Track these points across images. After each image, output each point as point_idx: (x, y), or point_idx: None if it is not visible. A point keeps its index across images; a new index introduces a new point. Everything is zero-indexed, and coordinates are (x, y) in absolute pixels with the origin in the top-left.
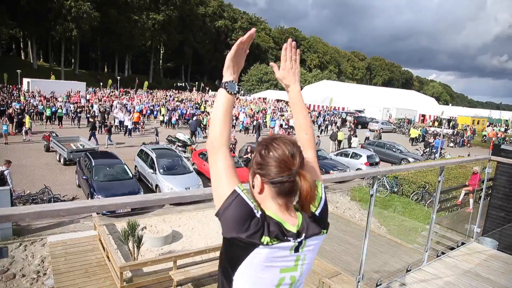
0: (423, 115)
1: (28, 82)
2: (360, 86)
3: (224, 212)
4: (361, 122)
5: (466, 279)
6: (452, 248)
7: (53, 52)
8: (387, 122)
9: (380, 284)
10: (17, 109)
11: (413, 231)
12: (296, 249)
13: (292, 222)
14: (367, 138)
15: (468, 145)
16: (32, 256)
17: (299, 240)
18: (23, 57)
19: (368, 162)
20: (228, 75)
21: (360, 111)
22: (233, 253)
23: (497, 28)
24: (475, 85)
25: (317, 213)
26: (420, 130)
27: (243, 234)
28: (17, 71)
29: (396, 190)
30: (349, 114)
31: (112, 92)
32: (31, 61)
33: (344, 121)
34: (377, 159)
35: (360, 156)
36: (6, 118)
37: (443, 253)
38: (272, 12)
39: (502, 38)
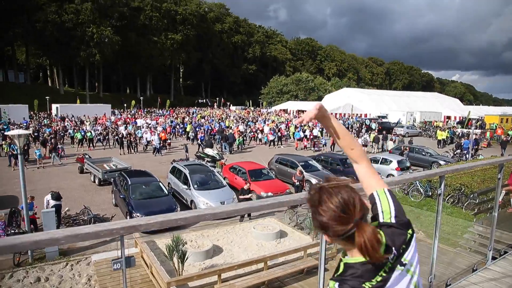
0: (448, 117)
1: (57, 108)
2: (380, 91)
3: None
4: (386, 128)
5: None
6: (510, 246)
7: (77, 77)
8: (412, 126)
9: (450, 284)
10: (49, 133)
11: (452, 236)
12: (404, 269)
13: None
14: (393, 142)
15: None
16: (79, 275)
17: (394, 255)
18: (50, 84)
19: (399, 167)
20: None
21: (383, 117)
22: None
23: None
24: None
25: (392, 220)
26: (448, 132)
27: None
28: (46, 97)
29: (430, 194)
30: (373, 120)
31: (137, 112)
32: (58, 87)
33: (368, 128)
34: (408, 164)
35: (391, 161)
36: (40, 143)
37: (505, 252)
38: (291, 23)
39: None
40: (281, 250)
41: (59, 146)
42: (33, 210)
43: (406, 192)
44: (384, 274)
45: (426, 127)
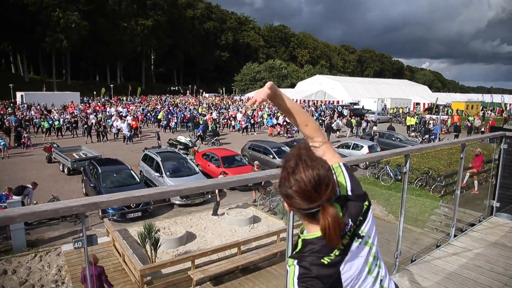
0: (417, 103)
1: (22, 96)
2: (352, 78)
3: None
4: (357, 114)
5: (495, 250)
6: (473, 225)
7: (43, 64)
8: (383, 112)
9: (415, 260)
10: (14, 122)
11: (420, 217)
12: (362, 241)
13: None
14: (364, 130)
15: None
16: (49, 266)
17: (351, 228)
18: (13, 71)
19: (370, 152)
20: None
21: (355, 104)
22: None
23: (491, 13)
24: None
25: (349, 193)
26: (417, 118)
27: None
28: (10, 85)
29: (400, 178)
30: (344, 107)
31: (107, 101)
32: (22, 74)
33: (340, 114)
34: (378, 149)
35: (362, 146)
36: (3, 133)
37: (466, 229)
38: (266, 10)
39: (495, 22)
40: (254, 235)
41: (25, 135)
42: (5, 202)
43: (376, 176)
44: (342, 247)
45: (396, 113)
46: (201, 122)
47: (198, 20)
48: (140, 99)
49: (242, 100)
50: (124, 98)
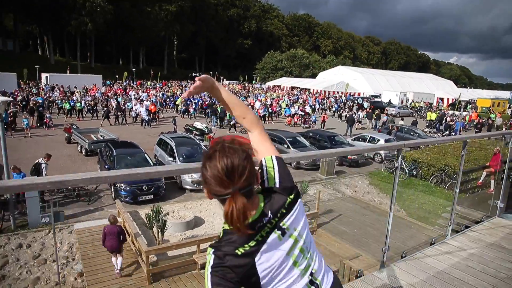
0: (441, 99)
1: (47, 77)
2: (375, 70)
3: None
4: (378, 107)
5: (490, 251)
6: (476, 223)
7: (69, 47)
8: (404, 106)
9: (405, 256)
10: (38, 102)
11: (433, 214)
12: (283, 233)
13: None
14: (383, 123)
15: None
16: (61, 242)
17: (269, 220)
18: (40, 53)
19: None
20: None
21: (376, 96)
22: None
23: None
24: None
25: (276, 185)
26: (438, 113)
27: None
28: (35, 66)
29: (415, 173)
30: (365, 100)
31: (129, 85)
32: (48, 56)
33: (360, 106)
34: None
35: (378, 140)
36: (27, 112)
37: (467, 227)
38: None
39: None
40: None
41: (47, 116)
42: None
43: (391, 170)
44: (259, 239)
45: (418, 108)
46: (218, 109)
47: (222, 6)
48: (160, 84)
49: (263, 88)
50: (148, 82)
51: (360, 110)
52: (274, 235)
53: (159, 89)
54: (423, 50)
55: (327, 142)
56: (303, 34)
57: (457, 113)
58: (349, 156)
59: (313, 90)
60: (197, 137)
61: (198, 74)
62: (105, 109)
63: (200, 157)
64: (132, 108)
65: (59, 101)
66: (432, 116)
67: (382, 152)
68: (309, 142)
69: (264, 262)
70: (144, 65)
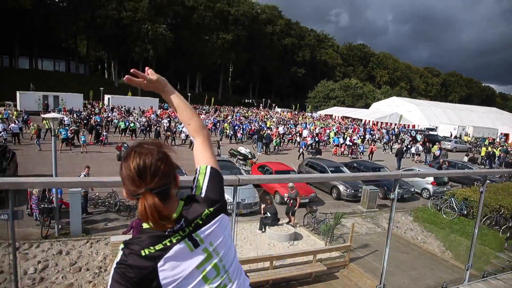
0: (505, 134)
1: (109, 98)
2: (432, 102)
3: None
4: (432, 140)
5: None
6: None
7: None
8: (461, 140)
9: None
10: (96, 121)
11: (484, 258)
12: (195, 244)
13: (162, 220)
14: (435, 157)
15: None
16: (97, 253)
17: (181, 227)
18: (106, 76)
19: (435, 182)
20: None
21: (431, 129)
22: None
23: None
24: None
25: (202, 194)
26: (500, 150)
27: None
28: (100, 88)
29: (465, 212)
30: (418, 132)
31: None
32: (113, 80)
33: (413, 139)
34: (446, 179)
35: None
36: (86, 130)
37: (491, 275)
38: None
39: None
40: (289, 252)
41: (103, 134)
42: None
43: (438, 208)
44: (167, 243)
45: (478, 143)
46: (264, 135)
47: (277, 36)
48: (215, 108)
49: (313, 117)
50: (206, 107)
51: (412, 143)
52: (182, 244)
53: (212, 113)
54: (488, 82)
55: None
56: (357, 64)
57: None
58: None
59: (365, 120)
60: (240, 162)
61: (251, 100)
62: (155, 129)
63: None
64: (182, 130)
65: (116, 120)
66: (496, 151)
67: (430, 187)
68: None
69: (167, 270)
70: (200, 90)
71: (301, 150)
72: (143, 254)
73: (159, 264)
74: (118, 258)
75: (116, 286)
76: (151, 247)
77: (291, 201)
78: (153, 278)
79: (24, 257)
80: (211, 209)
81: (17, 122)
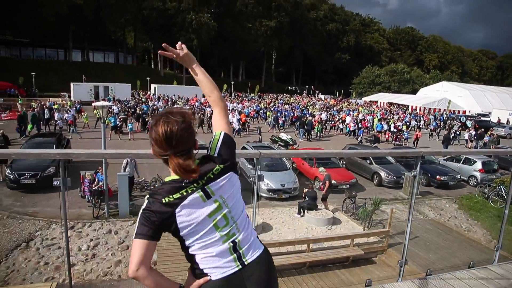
0: None
1: (155, 88)
2: (484, 87)
3: None
4: (484, 127)
5: None
6: None
7: (177, 61)
8: None
9: (430, 274)
10: (143, 110)
11: None
12: (208, 196)
13: (188, 173)
14: (485, 144)
15: None
16: None
17: (199, 180)
18: (152, 67)
19: (484, 169)
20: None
21: (484, 115)
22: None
23: None
24: None
25: (215, 154)
26: None
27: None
28: (147, 78)
29: None
30: (469, 118)
31: (226, 96)
32: (159, 69)
33: (463, 125)
34: (495, 166)
35: (475, 162)
36: (134, 118)
37: None
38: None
39: None
40: (327, 235)
41: (150, 122)
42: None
43: (486, 196)
44: (184, 193)
45: None
46: (306, 122)
47: (320, 21)
48: (257, 96)
49: (358, 103)
50: (249, 94)
51: (462, 129)
52: (196, 195)
53: (255, 100)
54: None
55: (414, 161)
56: (405, 48)
57: None
58: (437, 177)
59: (412, 106)
60: (281, 148)
61: (294, 87)
62: (200, 117)
63: (279, 166)
64: None
65: (161, 108)
66: None
67: (477, 174)
68: (396, 159)
69: (183, 215)
70: (243, 78)
71: (359, 138)
72: (164, 201)
73: (177, 210)
74: (144, 206)
75: (141, 228)
76: (171, 196)
77: (322, 185)
78: (172, 221)
79: (78, 235)
80: (222, 166)
81: (70, 111)
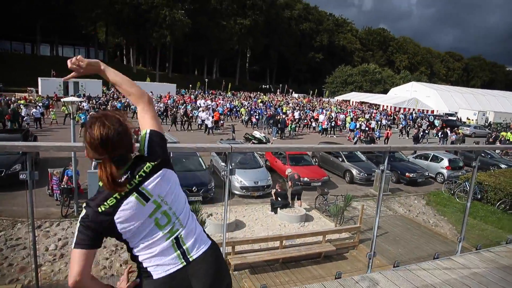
0: None
1: None
2: (451, 87)
3: None
4: (450, 126)
5: (498, 273)
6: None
7: (150, 58)
8: (481, 126)
9: (398, 266)
10: (115, 107)
11: (496, 241)
12: (146, 199)
13: (116, 185)
14: (452, 143)
15: None
16: None
17: (127, 179)
18: (125, 63)
19: (450, 166)
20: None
21: (451, 115)
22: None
23: None
24: None
25: (146, 153)
26: None
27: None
28: None
29: (479, 197)
30: (437, 117)
31: (200, 94)
32: (132, 66)
33: (431, 124)
34: (461, 164)
35: (442, 159)
36: None
37: (485, 248)
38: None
39: None
40: (299, 232)
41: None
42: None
43: (452, 192)
44: (118, 197)
45: (499, 128)
46: (279, 120)
47: (295, 20)
48: (231, 94)
49: (330, 102)
50: (220, 92)
51: (430, 128)
52: (132, 198)
53: (228, 99)
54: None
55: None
56: (377, 49)
57: None
58: (406, 174)
59: (383, 105)
60: None
61: (268, 86)
62: (172, 114)
63: (252, 164)
64: (198, 115)
65: (133, 106)
66: (509, 136)
67: (444, 171)
68: (367, 157)
69: (123, 222)
70: (217, 75)
71: (355, 138)
72: (100, 210)
73: (116, 217)
74: (82, 214)
75: (80, 237)
76: (105, 203)
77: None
78: (113, 228)
79: (46, 234)
80: (153, 163)
81: (38, 107)
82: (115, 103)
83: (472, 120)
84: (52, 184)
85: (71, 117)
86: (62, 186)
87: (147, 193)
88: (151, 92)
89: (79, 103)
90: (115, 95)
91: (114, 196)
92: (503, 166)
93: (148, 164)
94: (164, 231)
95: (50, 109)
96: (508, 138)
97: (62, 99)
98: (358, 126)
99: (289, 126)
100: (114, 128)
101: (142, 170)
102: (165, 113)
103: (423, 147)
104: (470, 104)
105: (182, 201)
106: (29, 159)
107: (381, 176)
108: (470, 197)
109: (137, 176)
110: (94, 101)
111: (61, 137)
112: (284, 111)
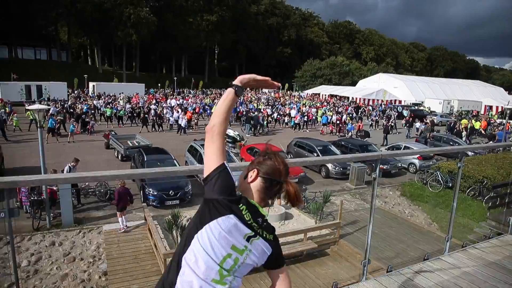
0: (490, 106)
1: (93, 86)
2: (417, 77)
3: (211, 179)
4: (418, 116)
5: (487, 270)
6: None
7: (116, 57)
8: (447, 114)
9: (391, 271)
10: (82, 110)
11: (467, 228)
12: (248, 239)
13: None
14: (421, 132)
15: None
16: (90, 242)
17: (258, 225)
18: (90, 63)
19: (421, 157)
20: (239, 82)
21: (417, 104)
22: (206, 213)
23: None
24: None
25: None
26: (482, 122)
27: (226, 197)
28: (84, 76)
29: (450, 185)
30: (405, 108)
31: (170, 93)
32: (97, 66)
33: (400, 115)
34: (431, 153)
35: (413, 150)
36: (74, 119)
37: (470, 244)
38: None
39: None
40: (280, 231)
41: (90, 122)
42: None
43: (425, 181)
44: (245, 221)
45: (463, 116)
46: (252, 117)
47: (262, 16)
48: (202, 91)
49: (301, 96)
50: (191, 91)
51: (398, 118)
52: (246, 231)
53: (198, 97)
54: (476, 55)
55: (359, 151)
56: (343, 42)
57: (504, 121)
58: (380, 166)
59: (352, 98)
60: (229, 145)
61: None
62: (143, 116)
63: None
64: (170, 117)
65: (102, 107)
66: (476, 125)
67: (416, 162)
68: (341, 151)
69: (223, 222)
70: (186, 73)
71: (350, 133)
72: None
73: (216, 218)
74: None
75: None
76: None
77: None
78: (204, 220)
79: (17, 250)
80: (272, 236)
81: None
82: (84, 106)
83: (435, 110)
84: (20, 196)
85: (38, 125)
86: (32, 198)
87: (250, 241)
88: (120, 93)
89: (46, 111)
90: (81, 98)
91: (236, 213)
92: (470, 153)
93: (270, 235)
94: (220, 273)
95: (14, 115)
96: (473, 126)
97: (27, 107)
98: (329, 120)
99: (264, 122)
100: (284, 161)
101: (267, 234)
102: (134, 114)
103: (411, 152)
104: (435, 94)
105: (244, 273)
106: (7, 197)
107: (373, 184)
108: (456, 196)
109: (260, 237)
110: (59, 104)
111: (25, 145)
112: (256, 107)
